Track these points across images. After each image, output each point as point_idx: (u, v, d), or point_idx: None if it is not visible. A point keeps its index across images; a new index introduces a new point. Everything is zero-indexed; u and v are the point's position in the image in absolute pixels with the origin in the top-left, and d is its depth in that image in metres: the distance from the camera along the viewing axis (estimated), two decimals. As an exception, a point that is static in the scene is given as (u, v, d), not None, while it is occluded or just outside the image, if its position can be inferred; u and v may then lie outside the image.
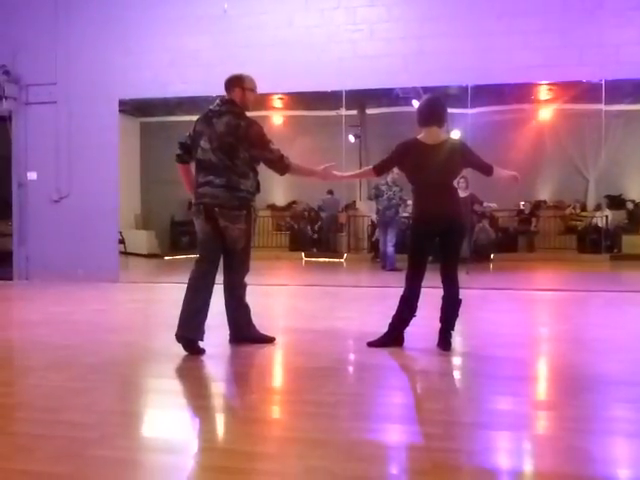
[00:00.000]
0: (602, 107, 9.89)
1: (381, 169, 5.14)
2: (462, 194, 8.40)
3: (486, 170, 4.96)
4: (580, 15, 8.83)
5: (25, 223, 10.46)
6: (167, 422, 3.42)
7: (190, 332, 4.74)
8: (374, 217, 12.02)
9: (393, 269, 10.55)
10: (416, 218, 4.96)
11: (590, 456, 2.84)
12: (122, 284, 9.80)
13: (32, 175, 10.42)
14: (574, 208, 14.00)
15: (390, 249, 11.05)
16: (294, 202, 15.49)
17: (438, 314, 4.86)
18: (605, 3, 8.77)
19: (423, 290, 4.85)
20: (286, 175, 5.12)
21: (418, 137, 4.88)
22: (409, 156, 4.88)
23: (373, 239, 13.04)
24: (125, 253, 12.54)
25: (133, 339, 5.53)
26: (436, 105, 4.93)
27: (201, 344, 4.76)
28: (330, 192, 13.82)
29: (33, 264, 10.38)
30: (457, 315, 4.88)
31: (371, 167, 5.16)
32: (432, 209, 4.81)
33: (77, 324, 6.28)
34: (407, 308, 4.85)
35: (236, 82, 4.93)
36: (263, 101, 11.14)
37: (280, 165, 4.92)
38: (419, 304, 4.85)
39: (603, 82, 9.31)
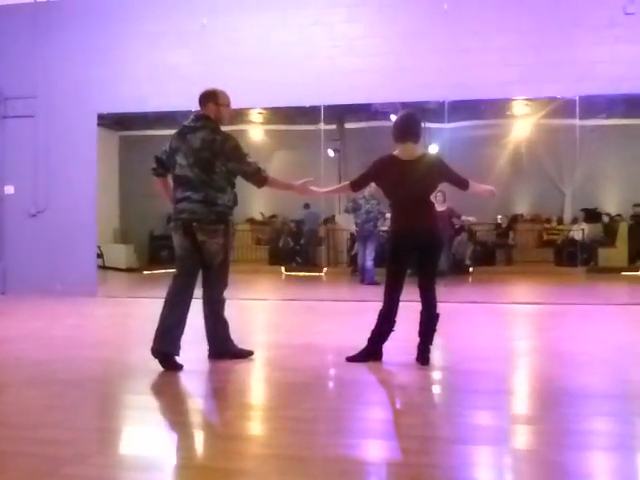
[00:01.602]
0: (577, 122, 10.04)
1: (358, 185, 5.17)
2: (440, 208, 8.46)
3: (462, 185, 5.00)
4: (555, 33, 8.99)
5: (2, 237, 10.37)
6: (144, 439, 3.39)
7: (165, 346, 4.70)
8: (354, 229, 12.02)
9: (372, 283, 10.57)
10: (394, 232, 4.99)
11: (568, 470, 2.86)
12: (100, 298, 9.73)
13: (9, 189, 10.34)
14: (548, 221, 14.17)
15: (369, 263, 11.06)
16: (273, 216, 15.51)
17: (417, 328, 4.87)
18: (580, 21, 8.92)
19: (401, 304, 4.87)
20: (266, 189, 5.16)
21: (394, 153, 4.91)
22: (386, 172, 4.91)
23: (352, 253, 13.06)
24: (104, 267, 12.46)
25: (110, 355, 5.48)
26: (411, 121, 4.97)
27: (179, 360, 4.73)
28: (307, 206, 13.85)
29: (10, 278, 10.27)
30: (435, 329, 4.89)
31: (348, 183, 5.19)
32: (409, 224, 4.83)
33: (54, 339, 6.22)
34: (386, 322, 4.86)
35: (210, 97, 4.94)
36: (241, 116, 11.17)
37: (257, 178, 4.93)
38: (397, 318, 4.87)
39: (577, 98, 9.45)
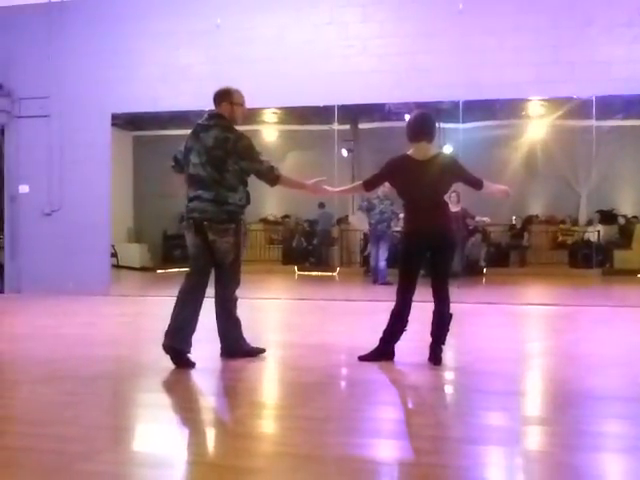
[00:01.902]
0: (593, 123, 9.97)
1: (371, 185, 5.15)
2: (454, 208, 8.41)
3: (476, 185, 4.97)
4: (571, 32, 8.92)
5: (17, 236, 10.44)
6: (155, 436, 3.40)
7: (177, 342, 4.72)
8: (366, 228, 11.99)
9: (384, 283, 10.55)
10: (407, 233, 4.97)
11: (579, 472, 2.83)
12: (113, 297, 9.77)
13: (24, 188, 10.41)
14: (563, 223, 14.09)
15: (382, 263, 11.04)
16: (286, 216, 15.54)
17: (429, 328, 4.85)
18: (595, 21, 8.85)
19: (414, 304, 4.85)
20: (279, 189, 5.18)
21: (408, 153, 4.89)
22: (399, 172, 4.89)
23: (365, 253, 13.04)
24: (118, 266, 12.53)
25: (122, 353, 5.50)
26: (425, 121, 4.94)
27: (191, 357, 4.74)
28: (322, 205, 13.86)
29: (25, 277, 10.34)
30: (448, 330, 4.87)
31: (361, 183, 5.17)
32: (423, 225, 4.81)
33: (67, 338, 6.25)
34: (398, 322, 4.84)
35: (224, 96, 4.95)
36: (255, 115, 11.19)
37: (270, 176, 4.94)
38: (410, 318, 4.85)
39: (594, 98, 9.39)
